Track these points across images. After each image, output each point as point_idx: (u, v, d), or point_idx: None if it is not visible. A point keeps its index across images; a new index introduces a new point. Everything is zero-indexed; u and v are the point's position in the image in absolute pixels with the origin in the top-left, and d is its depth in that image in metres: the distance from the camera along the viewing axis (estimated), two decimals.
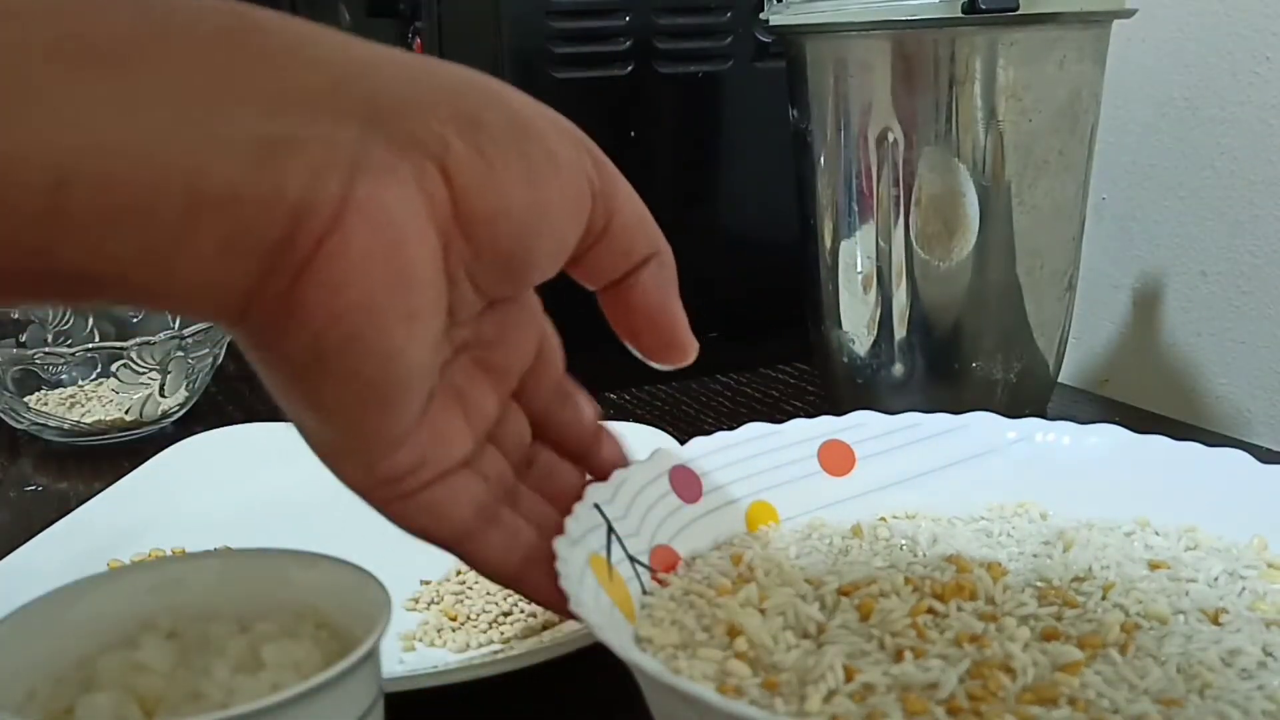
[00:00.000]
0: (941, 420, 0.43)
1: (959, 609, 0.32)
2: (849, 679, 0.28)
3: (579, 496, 0.34)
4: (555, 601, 0.32)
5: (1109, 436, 0.41)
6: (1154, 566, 0.36)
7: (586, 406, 0.37)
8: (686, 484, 0.38)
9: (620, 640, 0.26)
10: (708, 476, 0.39)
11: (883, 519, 0.40)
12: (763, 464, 0.40)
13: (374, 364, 0.27)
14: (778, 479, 0.40)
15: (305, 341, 0.26)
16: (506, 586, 0.34)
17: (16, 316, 0.70)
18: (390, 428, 0.29)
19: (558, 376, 0.36)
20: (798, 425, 0.42)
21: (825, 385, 0.66)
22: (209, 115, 0.24)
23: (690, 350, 0.34)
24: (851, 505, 0.41)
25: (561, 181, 0.29)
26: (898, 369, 0.59)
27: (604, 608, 0.30)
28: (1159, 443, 0.40)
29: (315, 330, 0.26)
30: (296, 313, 0.26)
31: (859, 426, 0.42)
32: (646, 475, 0.37)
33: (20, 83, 0.22)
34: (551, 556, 0.30)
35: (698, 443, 0.40)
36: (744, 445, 0.41)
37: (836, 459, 0.42)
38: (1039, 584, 0.34)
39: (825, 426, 0.42)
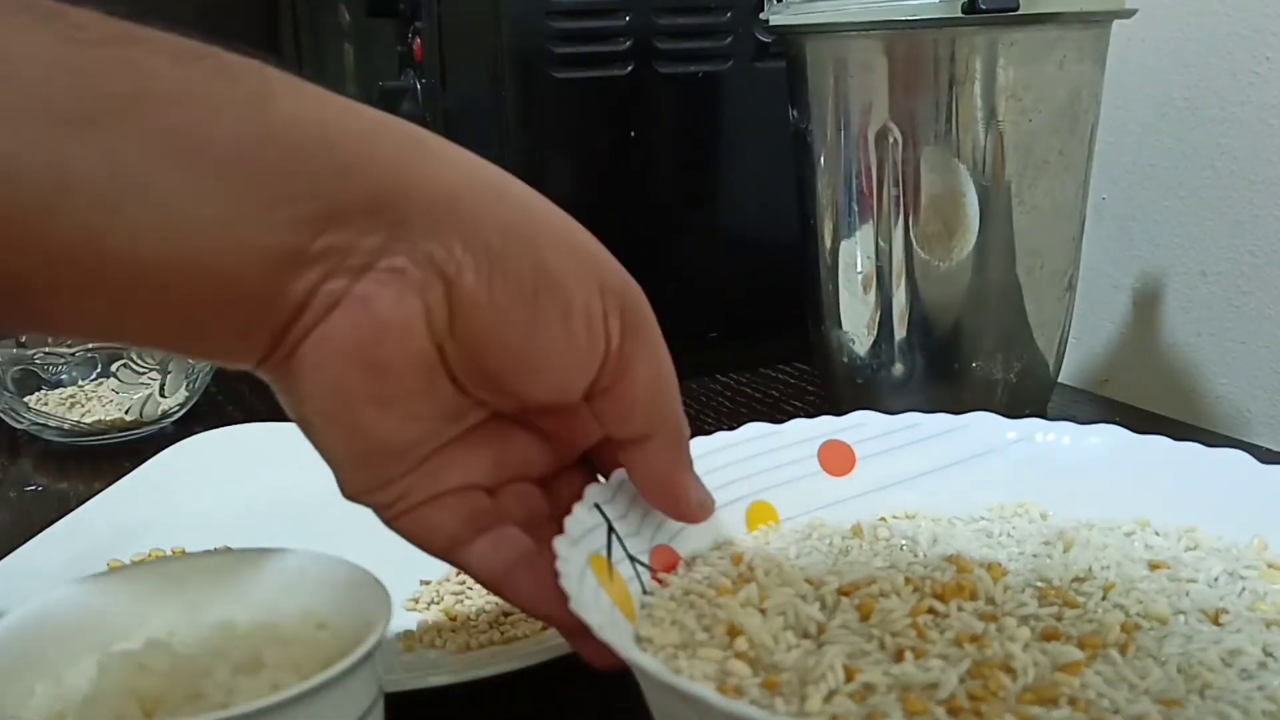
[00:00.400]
0: (941, 420, 0.43)
1: (959, 609, 0.32)
2: (849, 679, 0.28)
3: None
4: (540, 608, 0.33)
5: (1109, 436, 0.41)
6: (1154, 567, 0.35)
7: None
8: None
9: (620, 640, 0.26)
10: (708, 476, 0.39)
11: (883, 519, 0.40)
12: (763, 464, 0.40)
13: (344, 436, 0.30)
14: (778, 479, 0.40)
15: (293, 404, 0.30)
16: (493, 591, 0.34)
17: None
18: (368, 480, 0.31)
19: None
20: (798, 425, 0.42)
21: (825, 385, 0.66)
22: (261, 230, 0.26)
23: (697, 517, 0.35)
24: (851, 505, 0.41)
25: (568, 334, 0.30)
26: (898, 369, 0.59)
27: (604, 607, 0.30)
28: (1159, 443, 0.40)
29: (299, 398, 0.30)
30: (286, 382, 0.30)
31: (859, 426, 0.42)
32: None
33: (138, 178, 0.25)
34: (538, 563, 0.31)
35: (698, 443, 0.40)
36: (744, 445, 0.41)
37: (836, 459, 0.42)
38: (1039, 584, 0.34)
39: (825, 426, 0.42)
